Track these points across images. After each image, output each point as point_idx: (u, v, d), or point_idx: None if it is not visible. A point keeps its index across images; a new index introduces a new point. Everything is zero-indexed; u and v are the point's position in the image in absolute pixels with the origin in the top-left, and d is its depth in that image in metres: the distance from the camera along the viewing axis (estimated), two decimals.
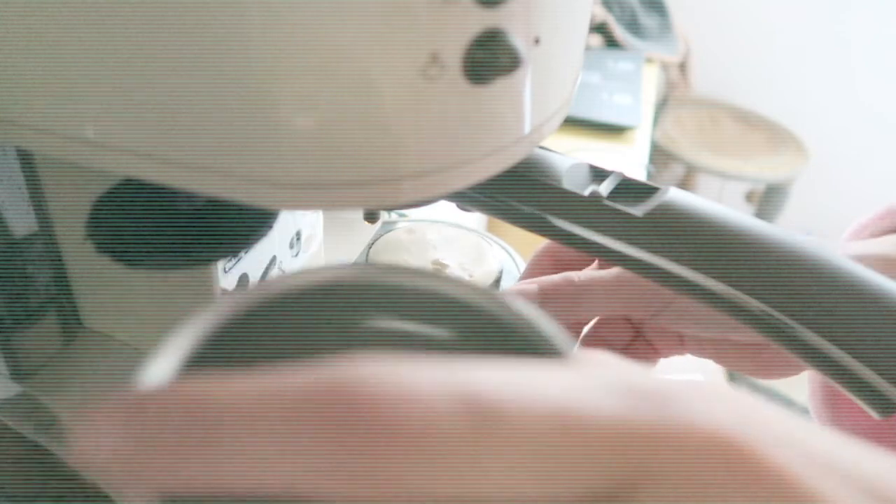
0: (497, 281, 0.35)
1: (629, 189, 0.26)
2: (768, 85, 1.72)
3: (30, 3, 0.20)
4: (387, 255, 0.35)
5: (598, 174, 0.27)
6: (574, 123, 1.02)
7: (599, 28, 1.31)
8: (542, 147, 0.27)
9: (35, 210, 0.34)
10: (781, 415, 0.13)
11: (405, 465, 0.11)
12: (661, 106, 1.62)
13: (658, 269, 0.25)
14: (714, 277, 0.24)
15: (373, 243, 0.36)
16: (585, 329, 0.34)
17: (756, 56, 1.74)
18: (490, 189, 0.27)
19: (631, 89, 1.14)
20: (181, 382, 0.12)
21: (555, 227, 0.26)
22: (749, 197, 1.66)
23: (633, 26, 1.37)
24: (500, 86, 0.20)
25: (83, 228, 0.27)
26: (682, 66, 1.64)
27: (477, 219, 0.90)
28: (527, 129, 0.23)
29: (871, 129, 1.66)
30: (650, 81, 1.27)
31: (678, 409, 0.12)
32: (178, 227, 0.27)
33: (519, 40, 0.19)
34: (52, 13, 0.19)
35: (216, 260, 0.32)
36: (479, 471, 0.11)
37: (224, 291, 0.34)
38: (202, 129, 0.19)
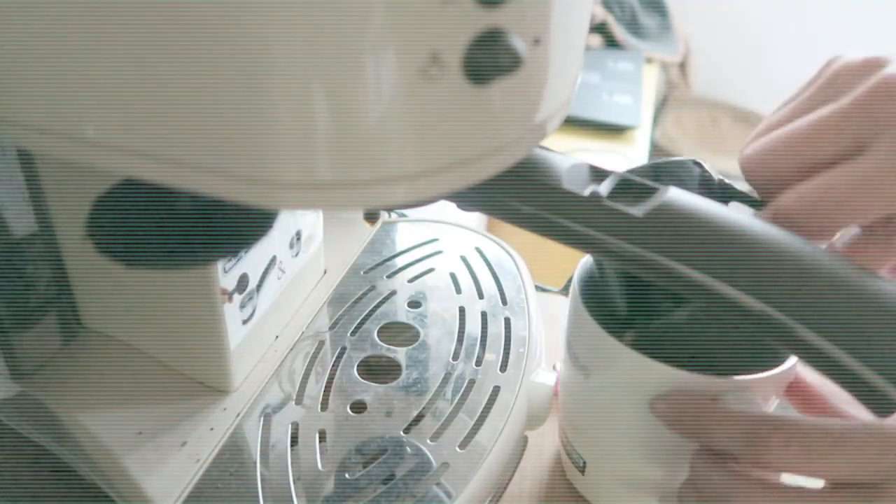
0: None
1: (629, 189, 0.26)
2: (768, 85, 1.72)
3: (29, 2, 0.20)
4: None
5: (598, 174, 0.27)
6: (574, 123, 1.03)
7: (599, 28, 1.31)
8: (542, 147, 0.27)
9: (35, 210, 0.34)
10: None
11: None
12: (661, 106, 1.62)
13: (658, 268, 0.25)
14: (714, 277, 0.24)
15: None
16: None
17: (756, 56, 1.73)
18: (490, 189, 0.27)
19: (631, 89, 1.14)
20: None
21: (555, 226, 0.26)
22: None
23: (633, 26, 1.37)
24: (499, 86, 0.20)
25: (83, 228, 0.27)
26: (682, 66, 1.64)
27: (477, 219, 0.90)
28: (527, 129, 0.23)
29: None
30: (650, 81, 1.27)
31: None
32: (178, 227, 0.27)
33: (519, 40, 0.19)
34: (51, 12, 0.19)
35: (216, 260, 0.32)
36: None
37: (224, 291, 0.33)
38: (202, 128, 0.19)
